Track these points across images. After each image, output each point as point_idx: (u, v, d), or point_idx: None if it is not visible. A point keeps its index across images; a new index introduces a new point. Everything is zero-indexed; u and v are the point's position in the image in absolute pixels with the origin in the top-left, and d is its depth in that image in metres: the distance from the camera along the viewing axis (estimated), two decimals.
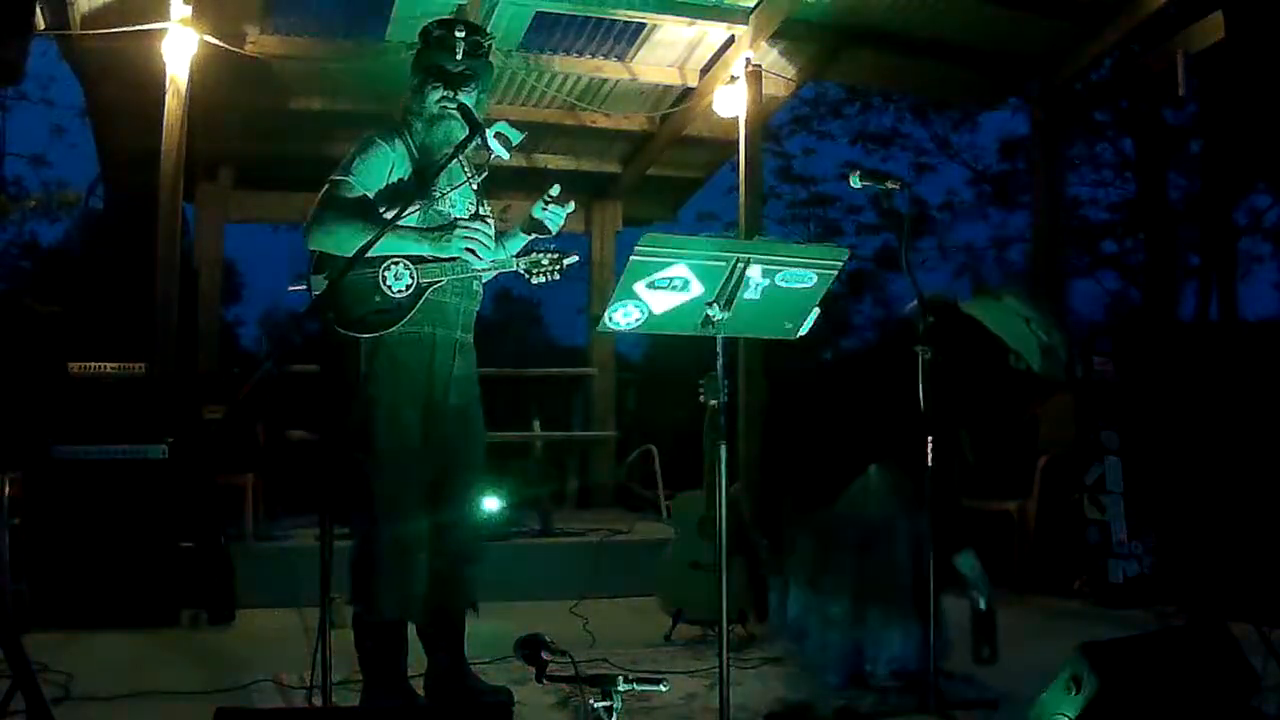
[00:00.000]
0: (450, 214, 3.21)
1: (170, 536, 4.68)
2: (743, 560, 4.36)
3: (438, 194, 3.17)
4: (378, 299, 3.08)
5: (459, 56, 3.20)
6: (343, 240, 3.02)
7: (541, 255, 3.23)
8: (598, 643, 4.25)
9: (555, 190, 3.26)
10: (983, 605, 3.60)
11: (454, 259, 3.14)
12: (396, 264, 3.10)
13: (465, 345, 3.29)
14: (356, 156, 3.14)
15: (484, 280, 3.32)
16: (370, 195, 3.12)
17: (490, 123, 3.18)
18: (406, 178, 3.17)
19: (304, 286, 3.12)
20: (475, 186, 3.32)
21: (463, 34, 3.22)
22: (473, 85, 3.23)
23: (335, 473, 3.16)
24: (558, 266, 3.23)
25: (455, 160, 3.14)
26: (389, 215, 2.95)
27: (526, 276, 3.26)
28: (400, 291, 3.09)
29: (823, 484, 3.74)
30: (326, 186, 3.13)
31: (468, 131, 3.03)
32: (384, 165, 3.14)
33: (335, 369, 3.17)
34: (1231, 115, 12.34)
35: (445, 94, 3.19)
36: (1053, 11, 6.28)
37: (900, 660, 3.53)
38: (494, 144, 3.12)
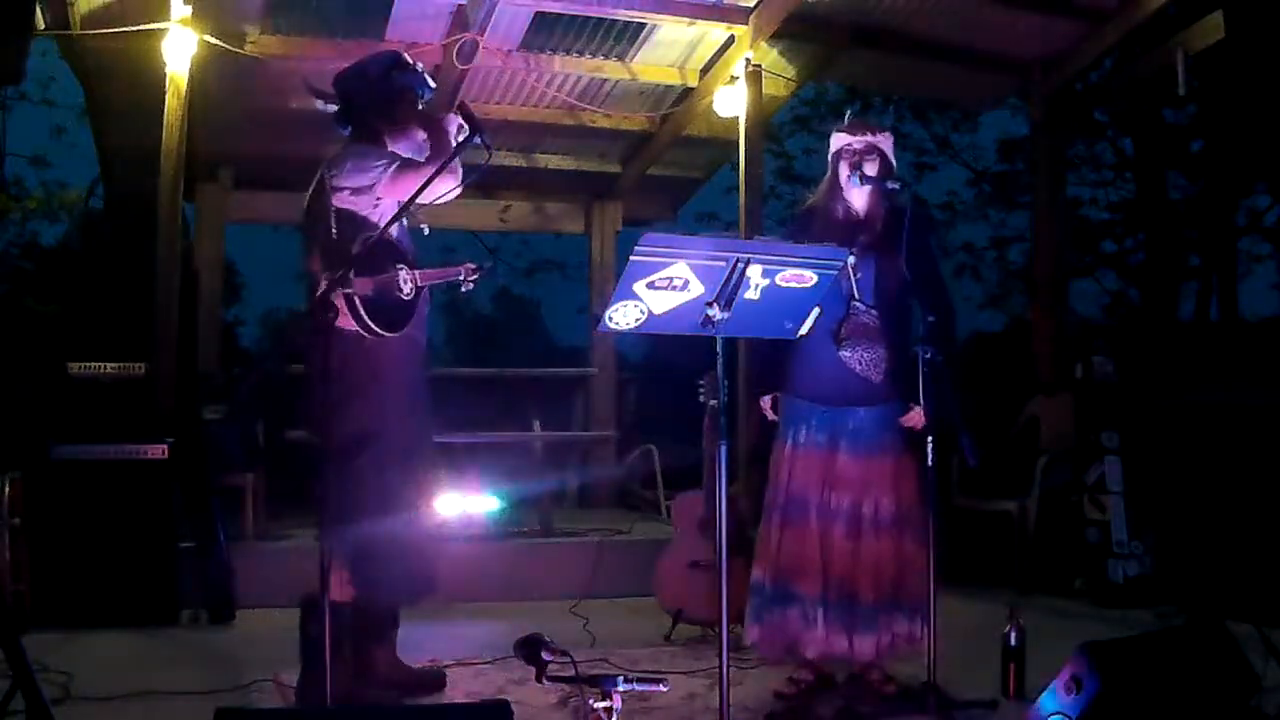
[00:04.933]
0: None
1: (170, 536, 4.68)
2: (743, 560, 4.37)
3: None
4: (396, 302, 3.26)
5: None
6: None
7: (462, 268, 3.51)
8: (598, 643, 4.26)
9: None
10: (1014, 641, 3.60)
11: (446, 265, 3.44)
12: (403, 268, 3.29)
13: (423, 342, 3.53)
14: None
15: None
16: None
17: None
18: None
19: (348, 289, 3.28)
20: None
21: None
22: None
23: (329, 471, 3.20)
24: (474, 276, 3.53)
25: None
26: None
27: (460, 286, 3.53)
28: (408, 295, 3.29)
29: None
30: None
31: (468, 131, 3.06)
32: None
33: (337, 368, 3.21)
34: (1231, 115, 12.33)
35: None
36: (1052, 11, 6.28)
37: (828, 644, 3.50)
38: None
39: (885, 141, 3.62)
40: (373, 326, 3.16)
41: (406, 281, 3.27)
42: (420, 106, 3.49)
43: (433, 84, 3.58)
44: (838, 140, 3.65)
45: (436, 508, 3.61)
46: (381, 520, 3.22)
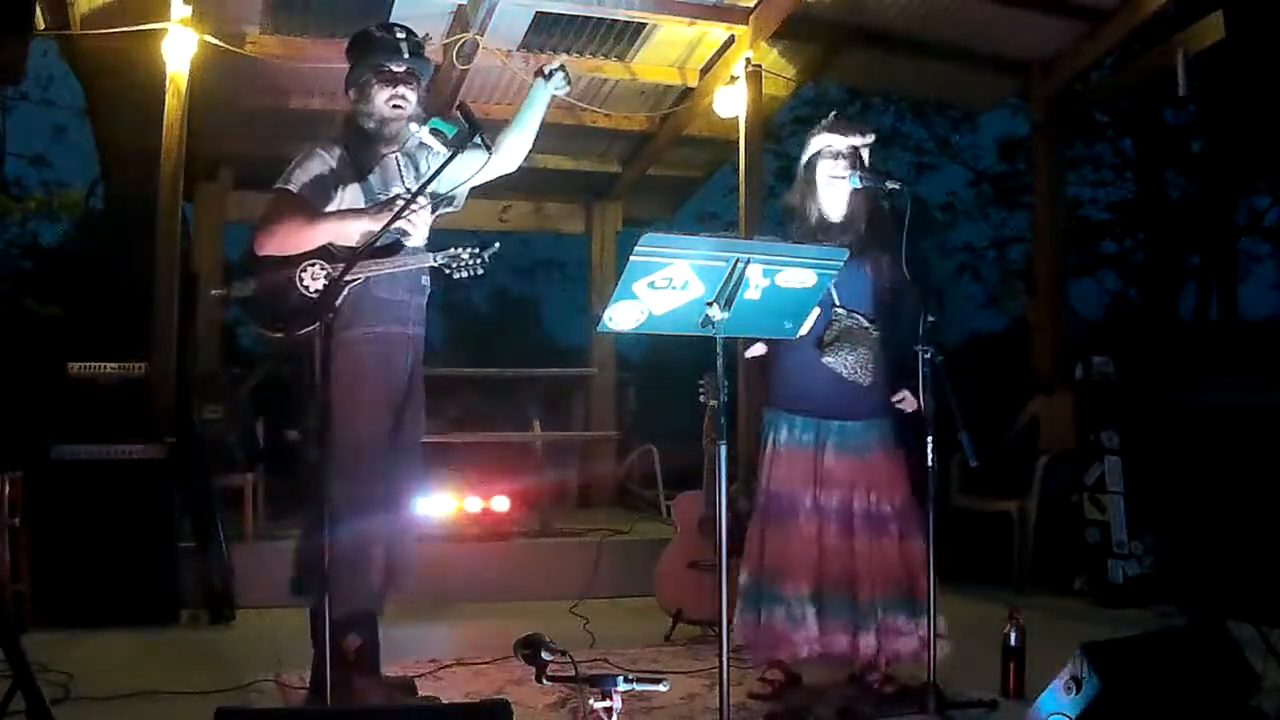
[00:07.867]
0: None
1: (170, 536, 4.68)
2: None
3: (384, 197, 3.18)
4: (295, 299, 3.05)
5: (405, 55, 3.26)
6: (288, 241, 3.07)
7: (461, 250, 3.15)
8: (598, 643, 4.26)
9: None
10: (1014, 641, 3.60)
11: (376, 253, 3.07)
12: (314, 264, 3.08)
13: (418, 339, 3.30)
14: (297, 166, 3.19)
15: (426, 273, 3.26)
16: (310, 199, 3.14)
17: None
18: (346, 186, 3.20)
19: (224, 291, 3.12)
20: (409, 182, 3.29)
21: (403, 35, 3.30)
22: (416, 84, 3.28)
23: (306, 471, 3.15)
24: (478, 260, 3.15)
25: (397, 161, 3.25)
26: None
27: (447, 272, 3.18)
28: (318, 291, 3.03)
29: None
30: (272, 197, 3.15)
31: (467, 133, 3.05)
32: (323, 168, 3.20)
33: (299, 369, 3.14)
34: (1231, 115, 12.33)
35: (394, 93, 3.23)
36: (1053, 11, 6.28)
37: (824, 644, 3.48)
38: (430, 139, 3.14)
39: (866, 144, 3.58)
40: (258, 329, 3.04)
41: (316, 277, 3.00)
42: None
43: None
44: (819, 141, 3.61)
45: (414, 510, 3.41)
46: (337, 531, 2.98)
